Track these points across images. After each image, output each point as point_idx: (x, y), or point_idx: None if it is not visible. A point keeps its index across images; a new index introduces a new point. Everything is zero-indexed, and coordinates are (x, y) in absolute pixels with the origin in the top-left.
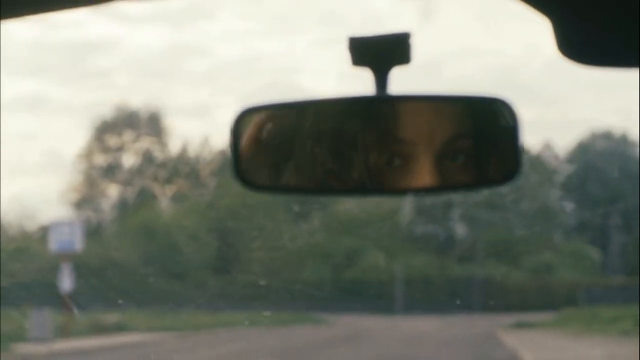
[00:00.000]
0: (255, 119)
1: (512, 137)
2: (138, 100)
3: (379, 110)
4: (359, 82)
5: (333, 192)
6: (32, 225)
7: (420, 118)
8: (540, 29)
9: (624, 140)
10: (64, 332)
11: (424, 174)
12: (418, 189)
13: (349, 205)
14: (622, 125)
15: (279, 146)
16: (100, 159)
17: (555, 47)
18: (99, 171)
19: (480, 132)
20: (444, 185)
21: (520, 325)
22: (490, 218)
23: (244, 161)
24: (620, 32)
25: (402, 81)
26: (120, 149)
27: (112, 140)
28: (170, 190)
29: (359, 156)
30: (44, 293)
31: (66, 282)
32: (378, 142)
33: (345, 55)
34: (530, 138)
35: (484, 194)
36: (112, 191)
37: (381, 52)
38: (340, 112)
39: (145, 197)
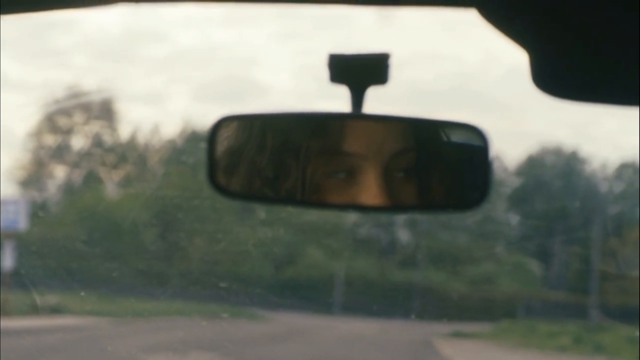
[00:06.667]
0: (232, 128)
1: (482, 164)
2: (92, 82)
3: (351, 126)
4: (313, 82)
5: (301, 204)
6: None
7: (389, 137)
8: (498, 39)
9: (573, 156)
10: (1, 310)
11: (403, 193)
12: (392, 208)
13: None
14: (573, 141)
15: (251, 156)
16: (50, 139)
17: (529, 79)
18: (47, 151)
19: (448, 157)
20: (402, 206)
21: (457, 335)
22: (433, 225)
23: (218, 168)
24: (596, 68)
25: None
26: (70, 130)
27: (62, 121)
28: (117, 175)
29: (325, 170)
30: None
31: (7, 260)
32: (348, 158)
33: (325, 71)
34: None
35: None
36: (59, 172)
37: (359, 70)
38: (311, 126)
39: (92, 181)
